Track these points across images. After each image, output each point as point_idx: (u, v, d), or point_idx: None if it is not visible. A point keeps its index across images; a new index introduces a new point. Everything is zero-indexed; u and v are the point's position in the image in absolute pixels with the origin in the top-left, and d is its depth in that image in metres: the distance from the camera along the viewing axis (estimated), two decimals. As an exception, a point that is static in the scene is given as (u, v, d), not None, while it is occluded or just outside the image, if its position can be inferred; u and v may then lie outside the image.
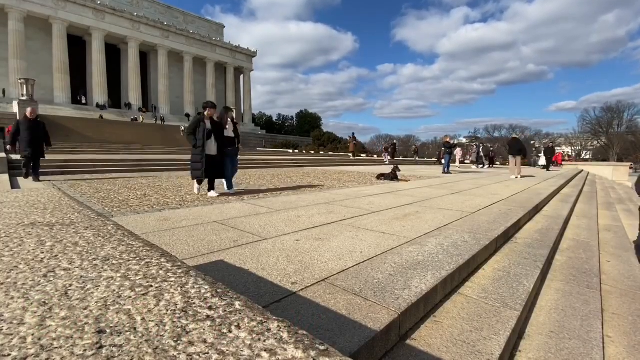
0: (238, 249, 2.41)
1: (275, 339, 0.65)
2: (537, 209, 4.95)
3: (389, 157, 22.84)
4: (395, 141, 30.87)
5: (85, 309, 0.77)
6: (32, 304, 0.80)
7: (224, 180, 5.76)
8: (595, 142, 59.18)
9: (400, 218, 3.67)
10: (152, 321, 0.72)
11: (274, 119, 67.72)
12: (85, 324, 0.70)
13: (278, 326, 0.69)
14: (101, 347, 0.62)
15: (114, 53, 42.83)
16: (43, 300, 0.82)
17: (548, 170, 17.41)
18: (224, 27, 55.71)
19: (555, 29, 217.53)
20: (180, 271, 1.01)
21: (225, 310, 0.77)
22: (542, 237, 3.46)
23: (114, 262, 1.08)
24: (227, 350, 0.61)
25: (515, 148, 11.94)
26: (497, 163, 29.93)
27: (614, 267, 3.34)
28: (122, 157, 13.04)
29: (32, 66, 34.79)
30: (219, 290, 0.88)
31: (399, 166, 9.70)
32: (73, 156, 12.62)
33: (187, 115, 45.02)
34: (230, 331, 0.68)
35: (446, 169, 12.73)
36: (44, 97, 32.74)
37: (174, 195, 5.22)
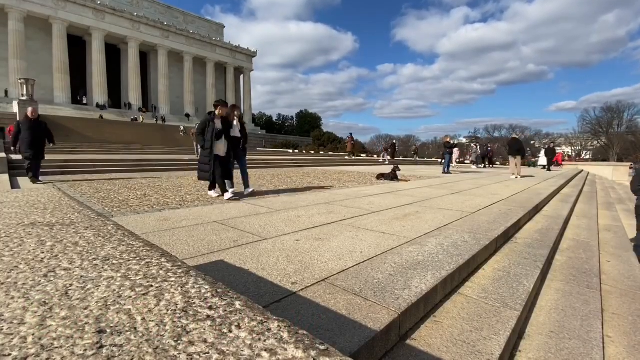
0: (238, 249, 2.41)
1: (276, 338, 0.65)
2: (537, 209, 4.95)
3: (388, 158, 22.84)
4: (395, 141, 30.96)
5: (85, 308, 0.77)
6: (32, 303, 0.80)
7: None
8: (595, 142, 59.18)
9: (400, 218, 3.67)
10: (153, 321, 0.72)
11: (274, 119, 67.73)
12: (86, 323, 0.71)
13: (278, 326, 0.70)
14: (102, 346, 0.62)
15: (114, 53, 42.84)
16: (43, 300, 0.82)
17: (549, 170, 17.38)
18: (224, 27, 55.73)
19: (555, 28, 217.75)
20: (180, 271, 1.01)
21: (226, 310, 0.77)
22: (542, 237, 3.46)
23: (114, 262, 1.08)
24: (228, 350, 0.61)
25: (514, 148, 11.95)
26: (497, 163, 29.94)
27: (614, 267, 3.34)
28: (122, 157, 13.04)
29: (32, 66, 34.79)
30: (219, 290, 0.88)
31: (399, 166, 9.70)
32: (73, 156, 12.63)
33: (187, 115, 45.04)
34: (230, 331, 0.68)
35: (446, 169, 12.73)
36: (44, 97, 32.74)
37: (174, 195, 5.22)
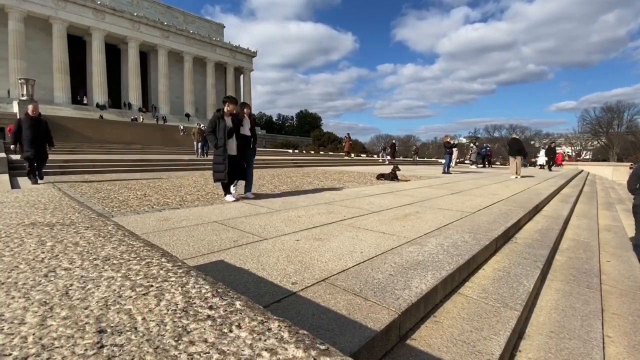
0: (238, 249, 2.41)
1: (276, 338, 0.65)
2: (537, 209, 4.95)
3: (388, 157, 22.84)
4: (394, 141, 31.10)
5: (86, 308, 0.77)
6: (33, 303, 0.80)
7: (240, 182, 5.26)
8: (595, 142, 59.15)
9: (400, 218, 3.67)
10: (153, 321, 0.72)
11: (274, 119, 67.69)
12: (86, 323, 0.71)
13: (279, 326, 0.70)
14: (102, 346, 0.62)
15: (114, 53, 42.84)
16: (44, 299, 0.82)
17: (550, 170, 17.35)
18: (224, 27, 55.74)
19: (555, 28, 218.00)
20: (180, 271, 1.01)
21: (226, 310, 0.77)
22: (542, 237, 3.46)
23: (114, 262, 1.08)
24: (228, 350, 0.61)
25: (514, 148, 11.94)
26: (497, 163, 29.94)
27: (614, 267, 3.34)
28: (122, 157, 13.04)
29: (32, 66, 34.80)
30: (219, 290, 0.88)
31: (398, 166, 9.70)
32: (73, 156, 12.63)
33: (187, 115, 45.06)
34: (230, 331, 0.68)
35: (446, 169, 12.73)
36: (44, 97, 32.75)
37: (174, 195, 5.22)
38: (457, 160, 22.49)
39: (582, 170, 21.17)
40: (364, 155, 32.31)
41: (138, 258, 1.12)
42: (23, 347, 0.61)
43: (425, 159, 37.88)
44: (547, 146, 20.93)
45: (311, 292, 1.68)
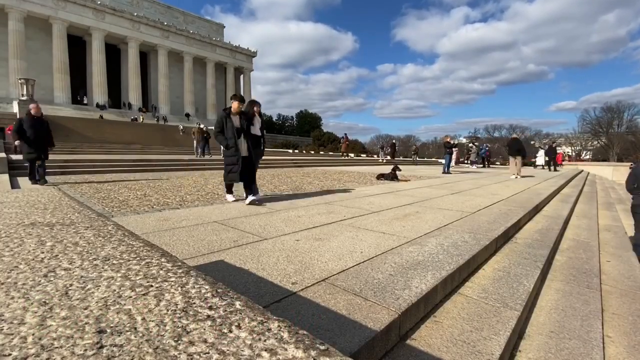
0: (238, 249, 2.41)
1: (276, 338, 0.65)
2: (537, 209, 4.95)
3: (388, 157, 22.85)
4: (394, 141, 31.20)
5: (85, 308, 0.77)
6: (32, 303, 0.80)
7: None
8: (595, 142, 59.14)
9: (400, 218, 3.67)
10: (153, 321, 0.72)
11: (274, 119, 67.64)
12: (86, 323, 0.71)
13: (278, 326, 0.70)
14: (102, 346, 0.62)
15: (114, 53, 42.84)
16: (43, 300, 0.82)
17: (550, 170, 17.30)
18: (224, 27, 55.74)
19: (555, 28, 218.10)
20: (180, 271, 1.01)
21: (226, 310, 0.77)
22: (542, 237, 3.46)
23: (114, 262, 1.08)
24: (228, 350, 0.61)
25: (514, 148, 11.94)
26: (497, 163, 29.93)
27: (614, 267, 3.34)
28: (122, 157, 13.04)
29: (32, 66, 34.80)
30: (219, 290, 0.88)
31: (398, 166, 9.70)
32: (73, 156, 12.63)
33: (187, 115, 45.06)
34: (230, 331, 0.68)
35: (446, 169, 12.73)
36: (44, 97, 32.74)
37: (174, 195, 5.22)
38: (458, 160, 22.53)
39: (582, 170, 21.17)
40: (364, 155, 32.32)
41: (138, 258, 1.12)
42: (22, 347, 0.61)
43: (426, 159, 37.89)
44: (547, 146, 20.92)
45: (311, 292, 1.68)
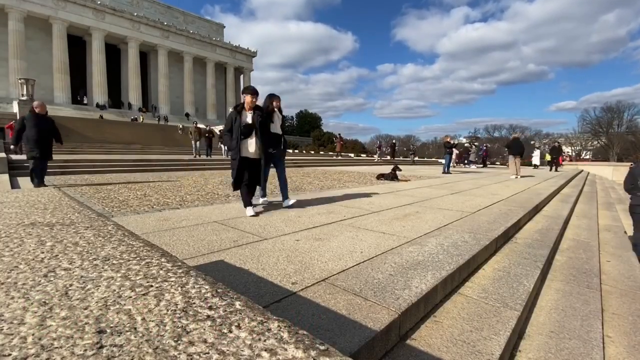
0: (238, 249, 2.41)
1: (276, 338, 0.65)
2: (537, 209, 4.95)
3: (388, 157, 22.87)
4: (394, 141, 31.44)
5: (85, 308, 0.77)
6: (32, 303, 0.80)
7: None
8: (595, 142, 59.14)
9: (400, 218, 3.67)
10: (153, 321, 0.72)
11: (274, 119, 67.52)
12: (86, 323, 0.71)
13: (278, 326, 0.69)
14: (101, 347, 0.62)
15: (114, 53, 42.84)
16: (43, 300, 0.82)
17: (551, 170, 17.24)
18: (224, 27, 55.75)
19: (555, 28, 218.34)
20: (180, 271, 1.01)
21: (226, 310, 0.77)
22: (542, 237, 3.46)
23: (114, 262, 1.08)
24: (228, 350, 0.61)
25: (517, 148, 11.94)
26: (497, 163, 29.92)
27: (614, 267, 3.34)
28: (122, 157, 13.04)
29: (32, 66, 34.81)
30: (219, 290, 0.88)
31: (399, 166, 9.70)
32: (73, 156, 12.62)
33: (187, 115, 45.05)
34: (230, 331, 0.68)
35: (446, 169, 12.73)
36: (44, 97, 32.67)
37: (174, 195, 5.22)
38: (457, 161, 22.55)
39: (582, 170, 21.17)
40: (364, 155, 32.32)
41: (138, 258, 1.12)
42: (22, 348, 0.61)
43: (425, 159, 37.88)
44: (551, 145, 20.89)
45: (311, 292, 1.68)
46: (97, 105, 37.83)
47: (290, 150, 33.52)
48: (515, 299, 1.96)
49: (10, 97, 31.83)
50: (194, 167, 12.48)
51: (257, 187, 4.15)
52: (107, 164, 10.65)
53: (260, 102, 4.14)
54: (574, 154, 58.54)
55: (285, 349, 0.61)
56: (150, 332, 0.67)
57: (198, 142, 17.12)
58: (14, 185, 6.42)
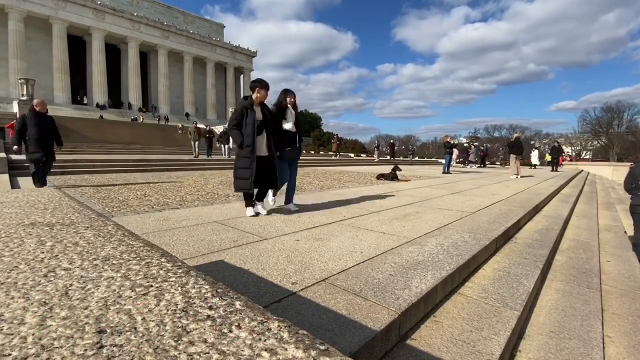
0: (238, 249, 2.41)
1: (276, 338, 0.65)
2: (537, 209, 4.95)
3: (388, 157, 22.90)
4: (392, 141, 31.81)
5: (85, 308, 0.77)
6: (32, 303, 0.80)
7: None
8: (595, 142, 59.16)
9: (400, 218, 3.67)
10: (153, 321, 0.72)
11: (274, 119, 67.52)
12: (86, 323, 0.70)
13: (278, 326, 0.69)
14: (102, 346, 0.62)
15: (114, 53, 42.85)
16: (43, 300, 0.82)
17: (552, 170, 17.21)
18: (224, 27, 55.77)
19: (555, 28, 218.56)
20: (180, 271, 1.01)
21: (226, 310, 0.77)
22: (542, 237, 3.46)
23: (114, 262, 1.08)
24: (228, 350, 0.61)
25: (518, 147, 11.95)
26: (497, 163, 29.93)
27: (614, 267, 3.34)
28: (122, 157, 13.04)
29: (32, 66, 34.82)
30: (219, 290, 0.88)
31: (398, 166, 9.70)
32: (73, 156, 12.62)
33: (187, 115, 45.05)
34: (230, 331, 0.68)
35: (446, 169, 12.74)
36: (44, 97, 32.53)
37: (174, 195, 5.22)
38: (457, 160, 22.56)
39: (582, 170, 21.17)
40: (364, 155, 32.35)
41: (138, 258, 1.12)
42: (22, 348, 0.61)
43: (425, 158, 37.88)
44: (552, 145, 20.88)
45: (311, 292, 1.68)
46: (97, 105, 37.84)
47: (290, 150, 33.49)
48: (515, 299, 1.96)
49: (10, 97, 31.82)
50: (194, 167, 12.48)
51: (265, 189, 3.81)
52: (107, 164, 10.65)
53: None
54: (574, 154, 58.54)
55: (286, 349, 0.61)
56: (151, 332, 0.67)
57: (197, 142, 16.97)
58: (14, 185, 6.42)
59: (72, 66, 37.46)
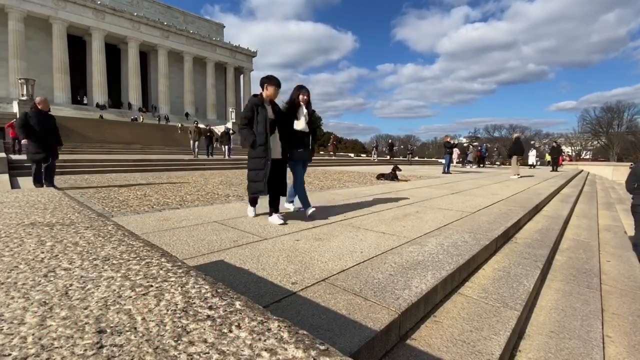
0: (238, 248, 2.41)
1: (276, 338, 0.65)
2: (537, 209, 4.95)
3: (387, 157, 22.91)
4: (390, 140, 31.91)
5: (85, 308, 0.77)
6: (32, 303, 0.80)
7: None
8: (595, 142, 59.16)
9: (400, 218, 3.67)
10: (153, 321, 0.72)
11: (273, 119, 67.43)
12: (86, 323, 0.70)
13: (278, 326, 0.69)
14: (102, 346, 0.62)
15: (114, 53, 42.85)
16: (43, 300, 0.82)
17: (552, 170, 17.21)
18: (224, 27, 55.76)
19: (556, 28, 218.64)
20: (180, 271, 1.01)
21: (226, 310, 0.77)
22: (542, 237, 3.46)
23: (114, 262, 1.08)
24: (228, 350, 0.61)
25: (519, 148, 11.97)
26: (497, 164, 29.93)
27: (614, 267, 3.34)
28: (122, 157, 13.04)
29: (32, 66, 34.81)
30: (219, 290, 0.88)
31: (398, 166, 9.70)
32: (73, 156, 12.62)
33: (187, 115, 45.05)
34: (230, 331, 0.68)
35: (446, 169, 12.74)
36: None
37: (174, 195, 5.22)
38: (457, 161, 22.57)
39: (582, 170, 21.17)
40: (364, 155, 32.37)
41: (138, 258, 1.12)
42: (22, 348, 0.61)
43: (425, 158, 37.89)
44: (551, 145, 20.87)
45: (311, 292, 1.68)
46: (97, 105, 37.84)
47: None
48: (515, 299, 1.96)
49: (10, 97, 31.81)
50: (194, 167, 12.48)
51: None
52: (107, 164, 10.65)
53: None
54: (574, 154, 58.54)
55: (285, 349, 0.61)
56: (151, 332, 0.67)
57: (197, 142, 16.80)
58: (14, 185, 6.42)
59: (72, 66, 37.46)
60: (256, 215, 3.60)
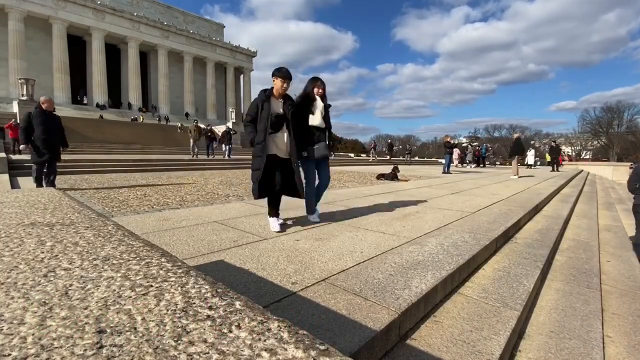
0: (238, 248, 2.41)
1: (276, 338, 0.65)
2: (537, 209, 4.95)
3: (387, 157, 22.92)
4: (390, 140, 31.86)
5: (85, 308, 0.77)
6: (32, 303, 0.80)
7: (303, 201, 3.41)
8: (595, 142, 59.17)
9: (400, 218, 3.67)
10: (153, 321, 0.72)
11: (273, 119, 67.39)
12: (86, 323, 0.70)
13: (278, 326, 0.69)
14: (101, 346, 0.62)
15: (114, 53, 42.84)
16: (43, 300, 0.82)
17: (553, 170, 17.19)
18: (224, 27, 55.76)
19: (556, 28, 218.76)
20: (180, 271, 1.01)
21: (226, 310, 0.77)
22: (542, 237, 3.46)
23: (114, 262, 1.08)
24: (228, 350, 0.61)
25: (520, 148, 11.97)
26: (498, 163, 29.95)
27: (614, 267, 3.34)
28: (122, 157, 13.05)
29: (32, 66, 34.81)
30: (219, 290, 0.88)
31: (398, 166, 9.71)
32: (73, 156, 12.62)
33: (187, 115, 45.05)
34: (230, 331, 0.67)
35: (446, 169, 12.74)
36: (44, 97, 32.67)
37: (174, 195, 5.22)
38: (458, 161, 22.58)
39: (582, 170, 21.17)
40: (364, 155, 32.37)
41: (138, 258, 1.12)
42: (22, 348, 0.61)
43: (425, 158, 37.90)
44: (550, 145, 20.85)
45: (311, 292, 1.68)
46: (97, 105, 37.83)
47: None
48: (515, 298, 1.96)
49: (10, 97, 31.81)
50: (194, 167, 12.48)
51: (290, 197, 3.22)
52: (107, 164, 10.65)
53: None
54: (574, 154, 58.53)
55: (285, 349, 0.61)
56: (150, 332, 0.67)
57: (197, 142, 16.60)
58: (14, 185, 6.42)
59: (72, 66, 37.45)
60: (283, 225, 3.14)
